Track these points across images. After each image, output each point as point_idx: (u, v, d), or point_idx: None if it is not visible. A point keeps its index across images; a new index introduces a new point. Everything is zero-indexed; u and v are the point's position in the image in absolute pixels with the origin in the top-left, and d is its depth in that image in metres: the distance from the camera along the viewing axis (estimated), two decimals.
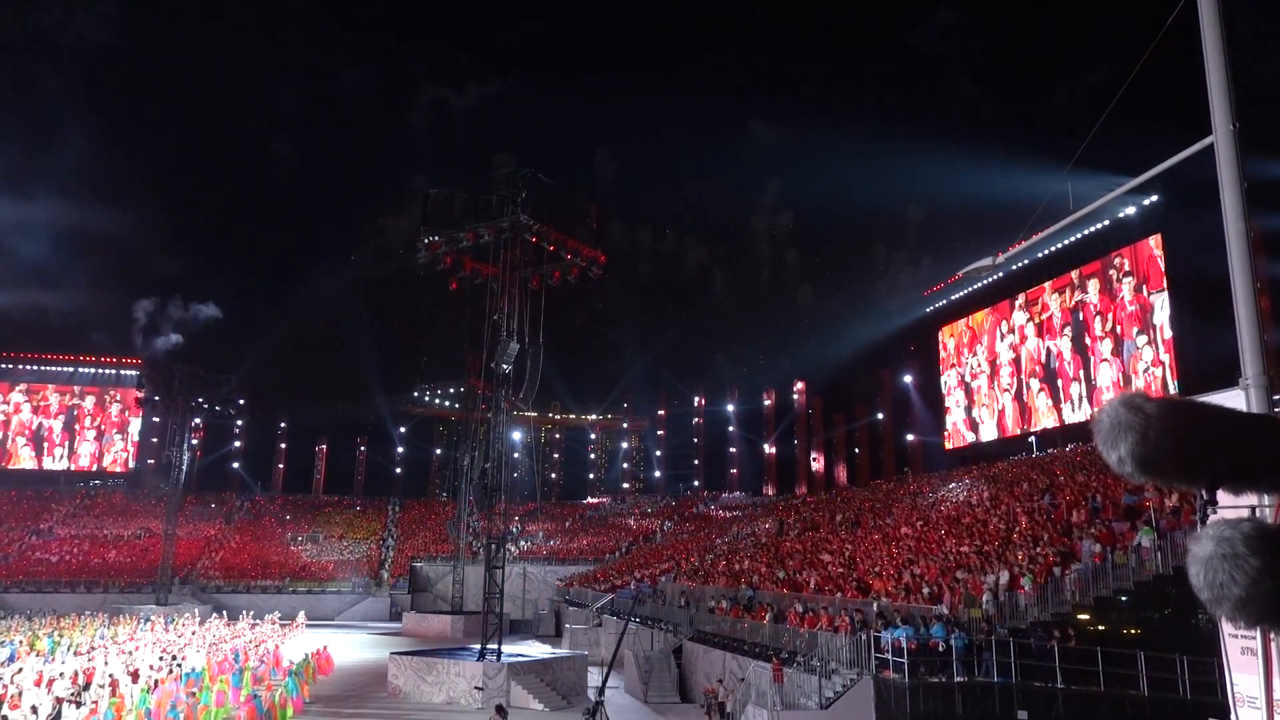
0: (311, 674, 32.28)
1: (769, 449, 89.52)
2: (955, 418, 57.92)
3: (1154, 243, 42.57)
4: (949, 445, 58.51)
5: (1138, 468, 2.03)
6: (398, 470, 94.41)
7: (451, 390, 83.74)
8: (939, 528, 32.11)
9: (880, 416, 77.18)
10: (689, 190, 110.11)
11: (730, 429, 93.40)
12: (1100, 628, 20.65)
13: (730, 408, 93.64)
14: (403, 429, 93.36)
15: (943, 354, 59.76)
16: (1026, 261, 48.65)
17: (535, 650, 39.66)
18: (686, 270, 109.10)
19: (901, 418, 73.05)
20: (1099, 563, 21.32)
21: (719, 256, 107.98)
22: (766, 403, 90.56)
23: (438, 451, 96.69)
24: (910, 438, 70.24)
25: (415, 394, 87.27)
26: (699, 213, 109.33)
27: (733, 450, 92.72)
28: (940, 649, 19.64)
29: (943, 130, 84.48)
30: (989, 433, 54.19)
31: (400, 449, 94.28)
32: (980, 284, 53.20)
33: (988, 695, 18.97)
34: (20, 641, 37.86)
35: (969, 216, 63.16)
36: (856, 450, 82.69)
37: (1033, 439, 48.62)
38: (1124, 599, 20.82)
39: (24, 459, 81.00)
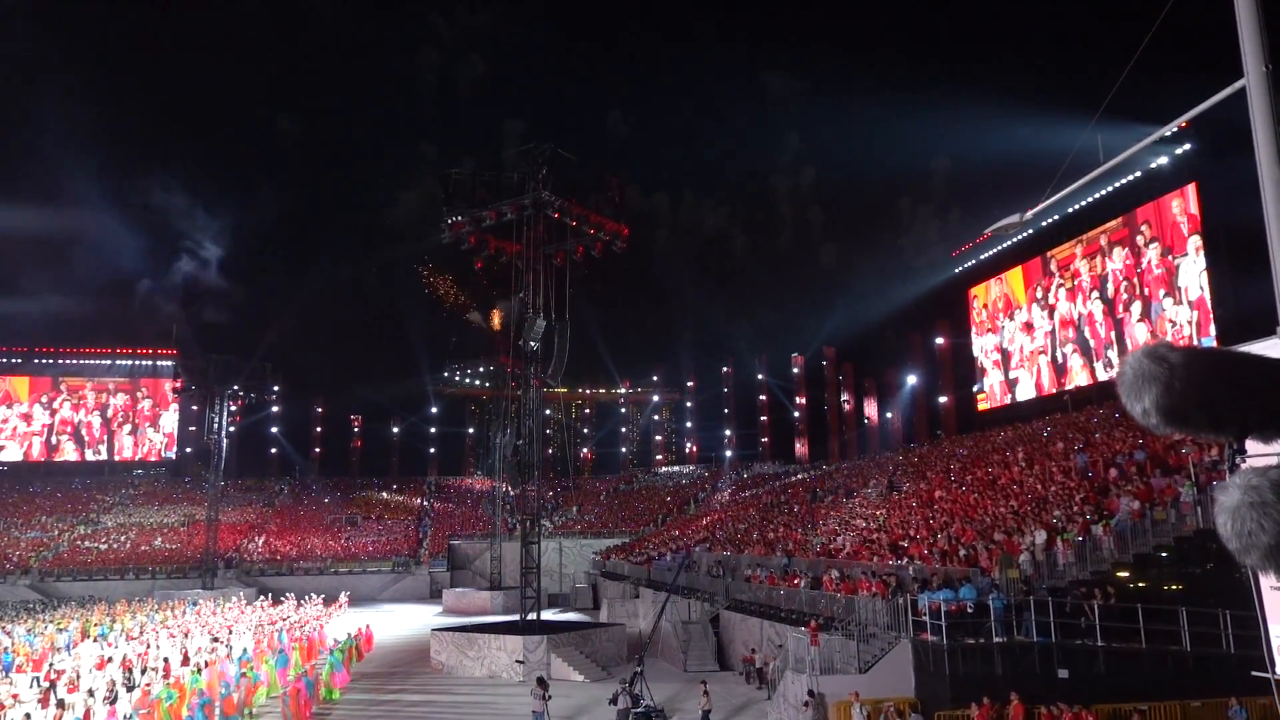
0: (355, 652, 32.91)
1: (799, 415, 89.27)
2: (991, 379, 57.34)
3: (1177, 207, 41.68)
4: (984, 406, 57.96)
5: (1163, 419, 1.98)
6: (432, 450, 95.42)
7: (482, 369, 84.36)
8: (974, 490, 31.91)
9: (912, 379, 76.60)
10: (706, 150, 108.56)
11: (761, 397, 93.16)
12: (1140, 584, 20.49)
13: (760, 376, 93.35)
14: (435, 409, 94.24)
15: (976, 318, 59.07)
16: (1057, 217, 47.79)
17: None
18: (709, 236, 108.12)
19: (934, 380, 72.44)
20: (1138, 519, 21.10)
21: (741, 220, 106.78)
22: (796, 370, 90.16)
23: (470, 430, 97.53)
24: (943, 400, 69.71)
25: (446, 374, 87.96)
26: (717, 175, 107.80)
27: (764, 418, 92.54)
28: (969, 610, 19.58)
29: (967, 79, 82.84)
30: (1024, 393, 53.61)
31: (433, 428, 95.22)
32: (1010, 242, 52.25)
33: (1027, 655, 18.91)
34: (75, 628, 39.01)
35: (995, 171, 62.15)
36: (889, 415, 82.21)
37: (1067, 398, 48.05)
38: (1164, 555, 20.62)
39: (67, 452, 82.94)
